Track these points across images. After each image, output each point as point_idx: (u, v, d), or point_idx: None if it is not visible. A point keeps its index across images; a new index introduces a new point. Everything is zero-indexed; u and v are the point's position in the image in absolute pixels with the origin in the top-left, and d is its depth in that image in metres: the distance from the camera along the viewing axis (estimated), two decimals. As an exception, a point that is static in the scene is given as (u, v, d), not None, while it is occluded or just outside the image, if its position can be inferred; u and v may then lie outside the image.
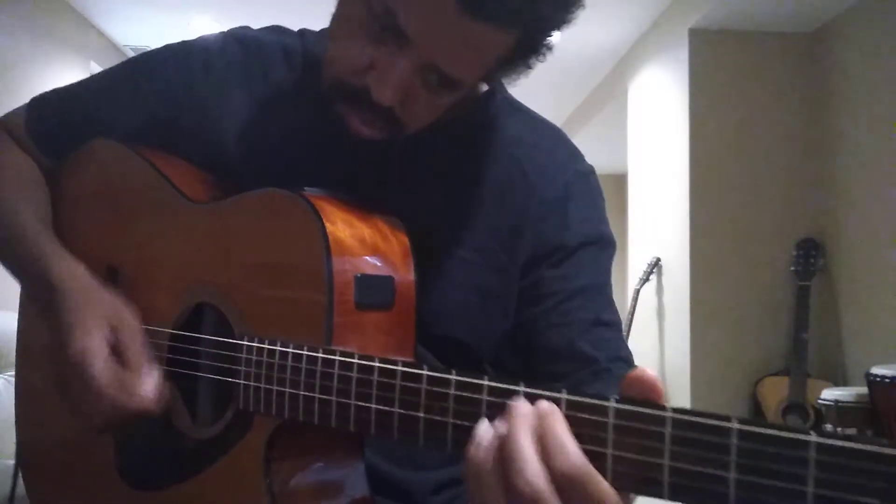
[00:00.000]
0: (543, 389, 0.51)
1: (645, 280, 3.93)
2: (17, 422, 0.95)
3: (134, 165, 0.86)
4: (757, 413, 3.30)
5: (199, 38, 0.89)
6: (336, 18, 0.75)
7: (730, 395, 3.39)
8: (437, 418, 0.56)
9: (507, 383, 0.53)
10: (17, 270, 0.85)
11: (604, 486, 0.47)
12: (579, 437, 0.48)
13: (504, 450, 0.49)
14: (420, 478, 0.82)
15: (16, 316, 0.95)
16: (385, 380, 0.60)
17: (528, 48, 0.71)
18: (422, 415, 0.57)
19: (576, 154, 0.87)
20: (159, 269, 0.82)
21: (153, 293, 0.80)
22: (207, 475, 0.73)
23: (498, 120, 0.84)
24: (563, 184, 0.82)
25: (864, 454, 0.39)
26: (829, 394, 2.80)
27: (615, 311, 0.83)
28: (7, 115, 0.95)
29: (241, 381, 0.70)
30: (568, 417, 0.49)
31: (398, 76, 0.69)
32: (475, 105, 0.84)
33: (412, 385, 0.58)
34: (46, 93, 0.94)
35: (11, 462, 0.95)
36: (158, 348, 0.78)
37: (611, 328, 0.81)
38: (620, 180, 5.08)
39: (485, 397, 0.54)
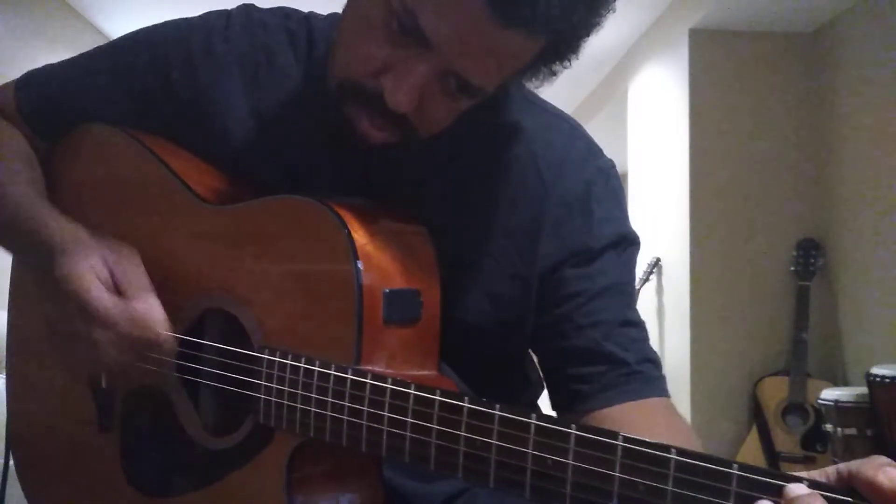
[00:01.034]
0: (596, 433, 0.52)
1: (645, 280, 3.93)
2: (9, 418, 0.91)
3: (135, 155, 0.82)
4: (757, 413, 3.29)
5: (202, 15, 0.84)
6: (350, 15, 0.70)
7: (730, 395, 3.39)
8: (478, 453, 0.55)
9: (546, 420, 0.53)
10: (14, 242, 0.82)
11: None
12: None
13: None
14: (430, 489, 0.80)
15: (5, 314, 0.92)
16: (420, 408, 0.58)
17: (554, 55, 0.67)
18: (462, 448, 0.56)
19: (594, 149, 0.82)
20: (166, 268, 0.78)
21: (159, 294, 0.77)
22: (222, 487, 0.71)
23: (511, 116, 0.80)
24: (584, 182, 0.78)
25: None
26: (829, 394, 2.80)
27: (638, 312, 0.80)
28: None
29: (262, 396, 0.68)
30: (625, 466, 0.49)
31: (416, 81, 0.64)
32: (489, 102, 0.77)
33: (450, 416, 0.57)
34: (38, 68, 0.89)
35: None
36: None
37: (638, 328, 0.78)
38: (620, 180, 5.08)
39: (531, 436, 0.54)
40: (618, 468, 0.49)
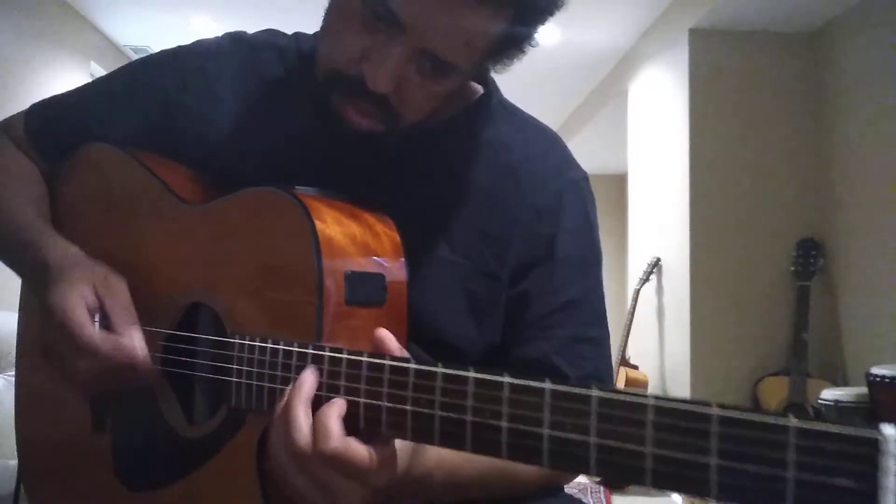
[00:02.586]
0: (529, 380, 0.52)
1: (645, 280, 3.93)
2: (16, 423, 0.95)
3: (128, 168, 0.86)
4: (757, 413, 3.29)
5: (195, 42, 0.90)
6: (329, 10, 0.75)
7: (730, 395, 3.39)
8: (425, 411, 0.56)
9: (492, 374, 0.54)
10: (14, 260, 0.86)
11: (361, 453, 0.58)
12: (562, 425, 0.49)
13: (285, 414, 0.61)
14: None
15: (16, 315, 0.95)
16: (374, 374, 0.60)
17: (521, 33, 0.71)
18: (409, 408, 0.57)
19: (569, 160, 0.86)
20: (155, 271, 0.82)
21: (148, 294, 0.80)
22: (200, 473, 0.73)
23: (492, 124, 0.84)
24: (555, 192, 0.82)
25: (839, 437, 0.40)
26: (829, 394, 2.81)
27: (601, 324, 0.83)
28: (7, 120, 0.96)
29: (234, 379, 0.70)
30: (552, 406, 0.50)
31: (392, 63, 0.69)
32: (470, 107, 0.85)
33: (399, 379, 0.58)
34: (46, 99, 0.96)
35: (12, 462, 0.95)
36: (153, 348, 0.78)
37: (592, 345, 0.81)
38: (620, 180, 5.09)
39: (470, 389, 0.54)
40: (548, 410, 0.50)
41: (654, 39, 4.06)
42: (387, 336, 0.62)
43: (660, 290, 3.91)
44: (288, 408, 0.61)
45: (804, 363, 3.17)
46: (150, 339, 0.77)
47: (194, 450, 0.74)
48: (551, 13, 0.71)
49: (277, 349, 0.66)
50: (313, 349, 0.64)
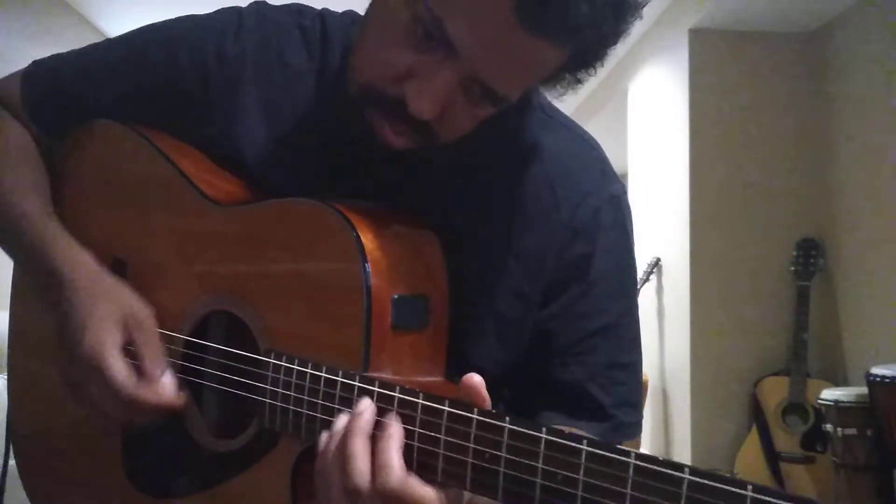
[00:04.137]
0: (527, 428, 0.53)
1: (645, 280, 3.93)
2: (11, 414, 0.91)
3: (142, 152, 0.81)
4: (757, 413, 3.29)
5: (213, 14, 0.82)
6: (372, 19, 0.69)
7: (730, 395, 3.39)
8: (486, 465, 0.54)
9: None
10: (16, 253, 0.81)
11: (423, 492, 0.55)
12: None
13: (342, 447, 0.58)
14: None
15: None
16: (428, 418, 0.57)
17: (580, 63, 0.66)
18: (469, 460, 0.55)
19: (608, 173, 0.80)
20: (172, 268, 0.78)
21: (165, 294, 0.77)
22: (225, 489, 0.71)
23: (531, 131, 0.78)
24: (594, 209, 0.76)
25: None
26: (829, 394, 2.80)
27: (636, 350, 0.80)
28: (2, 81, 0.88)
29: (268, 401, 0.67)
30: (633, 482, 0.49)
31: (440, 88, 0.63)
32: (509, 114, 0.76)
33: (459, 427, 0.56)
34: (46, 59, 0.87)
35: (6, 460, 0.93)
36: (171, 354, 0.75)
37: (625, 370, 0.78)
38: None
39: (542, 450, 0.53)
40: (629, 486, 0.48)
41: (653, 39, 4.05)
42: (479, 384, 0.56)
43: (660, 290, 3.91)
44: (346, 440, 0.57)
45: (804, 363, 3.16)
46: (169, 344, 0.74)
47: (218, 464, 0.72)
48: (615, 44, 0.65)
49: (319, 377, 0.63)
50: (360, 381, 0.61)
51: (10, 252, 0.83)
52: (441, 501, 0.56)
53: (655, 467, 0.47)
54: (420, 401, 0.57)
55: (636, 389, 0.79)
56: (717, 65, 3.51)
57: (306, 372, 0.64)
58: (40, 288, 0.78)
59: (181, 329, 0.75)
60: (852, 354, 3.17)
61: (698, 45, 3.52)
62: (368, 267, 0.64)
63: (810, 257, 3.30)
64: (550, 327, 0.76)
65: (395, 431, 0.57)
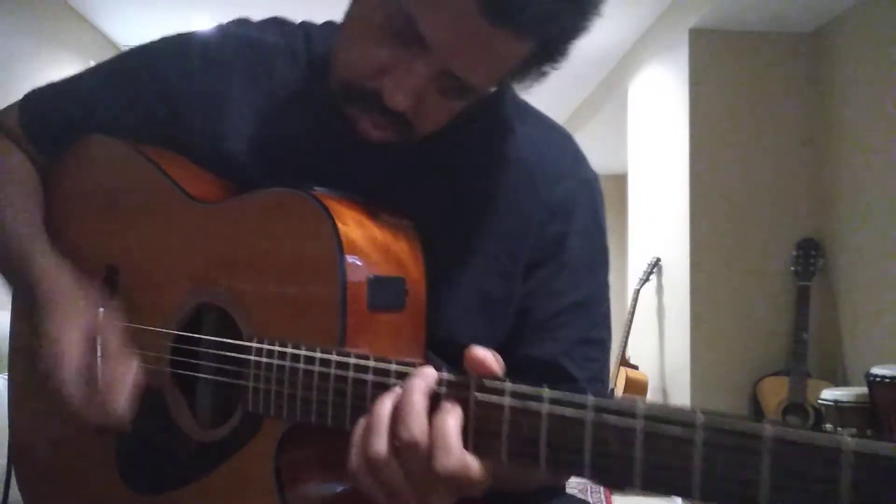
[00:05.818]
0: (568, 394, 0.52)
1: (645, 280, 3.93)
2: (10, 423, 0.93)
3: (133, 162, 0.84)
4: (757, 413, 3.30)
5: (197, 31, 0.87)
6: (350, 19, 0.73)
7: (730, 395, 3.39)
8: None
9: (532, 388, 0.54)
10: (4, 268, 0.84)
11: (479, 470, 0.55)
12: (604, 441, 0.49)
13: (400, 403, 0.57)
14: None
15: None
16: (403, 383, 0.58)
17: (546, 56, 0.70)
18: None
19: (582, 159, 0.85)
20: (162, 268, 0.80)
21: (156, 293, 0.79)
22: (212, 478, 0.72)
23: (506, 122, 0.83)
24: (569, 191, 0.81)
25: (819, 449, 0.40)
26: (829, 394, 2.80)
27: (606, 327, 0.83)
28: (2, 111, 0.93)
29: (251, 384, 0.69)
30: (595, 423, 0.50)
31: (414, 82, 0.68)
32: (484, 106, 0.83)
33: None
34: (41, 87, 0.92)
35: (1, 461, 0.94)
36: (161, 349, 0.76)
37: (597, 347, 0.81)
38: (620, 180, 5.08)
39: (507, 401, 0.54)
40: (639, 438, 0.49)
41: (654, 39, 4.06)
42: (487, 357, 0.57)
43: (660, 290, 3.91)
44: (404, 398, 0.57)
45: (804, 363, 3.17)
46: (158, 339, 0.76)
47: (205, 454, 0.73)
48: (577, 37, 0.69)
49: (299, 354, 0.65)
50: (337, 355, 0.63)
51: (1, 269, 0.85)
52: (486, 474, 0.56)
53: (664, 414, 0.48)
54: (393, 367, 0.59)
55: (606, 367, 0.83)
56: (717, 65, 3.51)
57: (286, 352, 0.66)
58: (23, 302, 0.81)
59: (170, 325, 0.77)
60: (852, 354, 3.17)
61: (698, 45, 3.52)
62: (343, 248, 0.65)
63: (810, 257, 3.30)
64: (527, 303, 0.79)
65: (453, 411, 0.56)
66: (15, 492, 0.92)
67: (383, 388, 0.60)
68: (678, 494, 0.47)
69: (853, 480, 0.40)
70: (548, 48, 0.69)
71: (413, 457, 0.56)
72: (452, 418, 0.56)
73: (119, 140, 0.86)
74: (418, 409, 0.56)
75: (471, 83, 0.69)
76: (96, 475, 0.83)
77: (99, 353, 0.73)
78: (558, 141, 0.85)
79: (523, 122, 0.84)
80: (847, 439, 0.40)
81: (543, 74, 0.73)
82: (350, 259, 0.66)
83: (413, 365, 0.59)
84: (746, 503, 0.43)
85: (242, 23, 0.87)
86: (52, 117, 0.90)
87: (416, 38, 0.66)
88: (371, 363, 0.61)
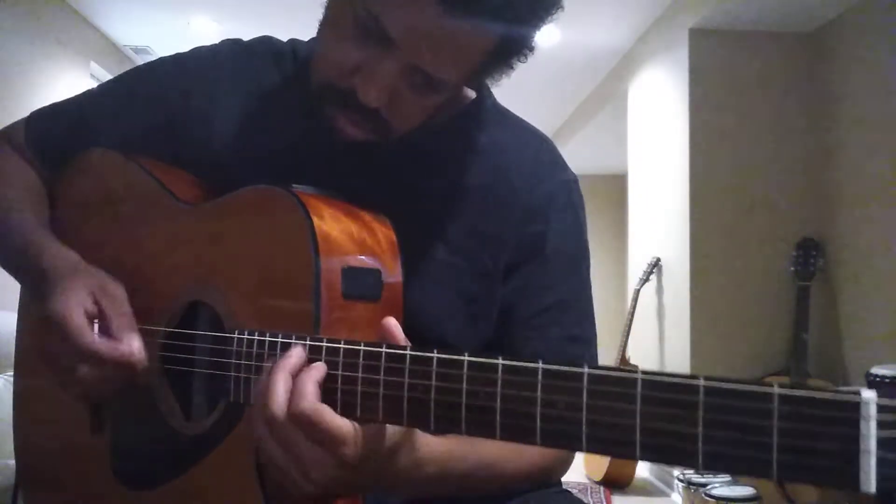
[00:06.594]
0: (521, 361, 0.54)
1: (645, 280, 3.93)
2: (14, 426, 0.95)
3: (129, 172, 0.87)
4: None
5: (193, 49, 0.91)
6: (323, 22, 0.76)
7: (730, 395, 3.39)
8: (422, 396, 0.57)
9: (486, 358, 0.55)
10: (14, 267, 0.86)
11: (335, 422, 0.59)
12: (553, 403, 0.51)
13: (265, 381, 0.62)
14: None
15: (16, 317, 0.96)
16: (371, 362, 0.60)
17: (510, 48, 0.72)
18: (406, 394, 0.58)
19: (559, 162, 0.88)
20: (155, 271, 0.83)
21: (149, 294, 0.81)
22: (199, 468, 0.74)
23: (485, 126, 0.86)
24: (546, 192, 0.83)
25: (821, 402, 0.41)
26: (829, 394, 2.80)
27: (590, 324, 0.85)
28: (8, 127, 0.97)
29: (232, 374, 0.71)
30: (543, 385, 0.52)
31: (383, 78, 0.71)
32: (463, 111, 0.86)
33: (396, 366, 0.59)
34: (46, 106, 0.97)
35: (10, 462, 0.95)
36: (152, 347, 0.78)
37: (581, 344, 0.83)
38: (620, 180, 5.09)
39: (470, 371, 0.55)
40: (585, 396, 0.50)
41: (654, 39, 4.06)
42: (394, 325, 0.62)
43: (660, 290, 3.91)
44: (269, 375, 0.61)
45: (804, 363, 3.17)
46: (148, 337, 0.77)
47: (193, 446, 0.75)
48: (537, 28, 0.71)
49: (276, 342, 0.67)
50: (311, 340, 0.64)
51: (10, 268, 0.88)
52: (356, 434, 0.60)
53: (608, 373, 0.50)
54: (361, 347, 0.61)
55: (594, 363, 0.82)
56: (717, 65, 3.51)
57: (265, 340, 0.68)
58: (33, 293, 0.82)
59: (160, 324, 0.79)
60: (852, 354, 3.18)
61: (698, 45, 3.52)
62: (318, 238, 0.68)
63: (810, 257, 3.30)
64: (511, 301, 0.81)
65: (315, 367, 0.61)
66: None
67: (353, 368, 0.61)
68: (623, 456, 0.48)
69: (781, 427, 0.41)
70: (511, 40, 0.71)
71: (274, 408, 0.59)
72: (314, 371, 0.61)
73: (114, 151, 0.90)
74: (292, 363, 0.61)
75: (439, 77, 0.71)
76: (92, 474, 0.84)
77: (105, 305, 0.75)
78: (536, 144, 0.87)
79: (502, 127, 0.87)
80: (776, 386, 0.42)
81: (511, 68, 0.76)
82: (324, 251, 0.68)
83: (380, 345, 0.60)
84: (686, 456, 0.45)
85: (233, 41, 0.92)
86: (56, 134, 0.94)
87: (383, 35, 0.69)
88: (342, 346, 0.62)
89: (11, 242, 0.85)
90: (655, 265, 3.90)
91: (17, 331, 0.96)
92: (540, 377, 0.51)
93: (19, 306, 0.95)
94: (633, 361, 4.02)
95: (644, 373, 0.47)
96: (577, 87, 5.27)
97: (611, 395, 0.48)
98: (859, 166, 3.15)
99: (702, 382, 0.44)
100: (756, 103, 3.48)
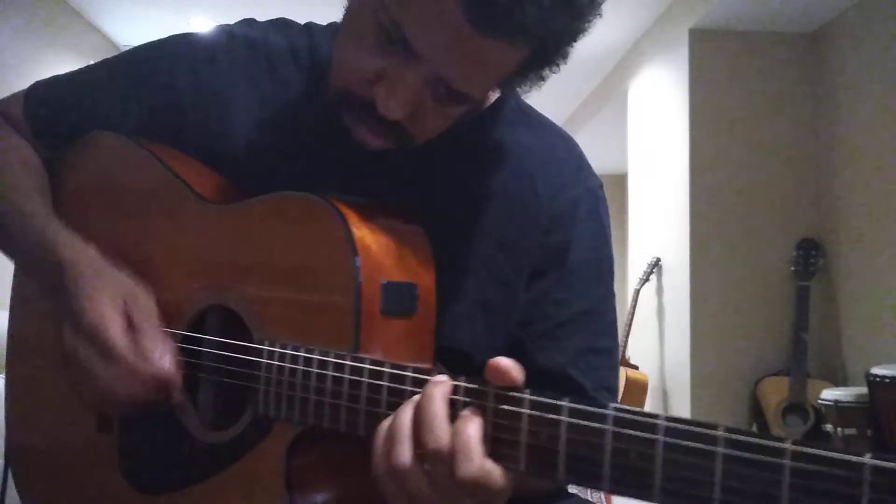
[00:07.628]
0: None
1: (645, 280, 3.93)
2: (6, 421, 0.92)
3: (140, 160, 0.83)
4: (757, 413, 3.30)
5: (202, 32, 0.87)
6: (344, 28, 0.73)
7: (730, 395, 3.39)
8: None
9: (550, 398, 0.54)
10: (18, 252, 0.83)
11: (476, 465, 0.54)
12: (623, 453, 0.50)
13: (418, 414, 0.57)
14: None
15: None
16: (418, 390, 0.58)
17: (541, 61, 0.69)
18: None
19: (586, 166, 0.85)
20: (169, 268, 0.79)
21: (164, 293, 0.78)
22: (219, 479, 0.72)
23: (509, 128, 0.82)
24: (572, 200, 0.81)
25: (839, 463, 0.41)
26: (829, 394, 2.81)
27: (613, 336, 0.83)
28: (5, 100, 0.92)
29: (262, 387, 0.69)
30: (665, 447, 0.49)
31: (406, 90, 0.67)
32: (486, 112, 0.82)
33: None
34: (46, 79, 0.92)
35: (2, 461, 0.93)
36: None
37: (603, 356, 0.81)
38: (620, 180, 5.09)
39: (526, 411, 0.55)
40: (660, 448, 0.49)
41: (654, 39, 4.06)
42: (510, 367, 0.56)
43: (660, 290, 3.91)
44: (425, 406, 0.57)
45: (804, 363, 3.17)
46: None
47: (212, 455, 0.73)
48: (574, 40, 0.67)
49: (312, 358, 0.65)
50: (351, 360, 0.63)
51: (12, 252, 0.84)
52: (508, 483, 0.56)
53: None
54: (409, 374, 0.59)
55: (614, 375, 0.82)
56: (717, 65, 3.51)
57: (299, 356, 0.66)
58: (43, 282, 0.79)
59: (178, 325, 0.76)
60: (852, 354, 3.18)
61: (698, 45, 3.52)
62: (358, 253, 0.65)
63: (810, 257, 3.30)
64: (531, 312, 0.79)
65: (473, 415, 0.56)
66: (14, 492, 0.92)
67: (398, 394, 0.60)
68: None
69: (872, 498, 0.41)
70: (544, 53, 0.67)
71: (436, 464, 0.55)
72: (473, 425, 0.55)
73: (125, 137, 0.85)
74: (441, 416, 0.56)
75: (464, 91, 0.68)
76: (98, 474, 0.82)
77: (138, 317, 0.72)
78: (562, 148, 0.84)
79: (526, 128, 0.83)
80: (866, 458, 0.41)
81: (542, 79, 0.72)
82: (364, 264, 0.65)
83: (429, 372, 0.59)
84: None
85: (248, 23, 0.87)
86: (56, 111, 0.89)
87: (406, 46, 0.65)
88: (387, 369, 0.61)
89: (14, 225, 0.81)
90: (655, 265, 3.90)
91: (10, 323, 0.92)
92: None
93: (13, 293, 0.91)
94: (633, 361, 4.02)
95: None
96: (577, 87, 5.26)
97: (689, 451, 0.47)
98: (859, 166, 3.15)
99: (789, 446, 0.43)
100: (756, 103, 3.48)
